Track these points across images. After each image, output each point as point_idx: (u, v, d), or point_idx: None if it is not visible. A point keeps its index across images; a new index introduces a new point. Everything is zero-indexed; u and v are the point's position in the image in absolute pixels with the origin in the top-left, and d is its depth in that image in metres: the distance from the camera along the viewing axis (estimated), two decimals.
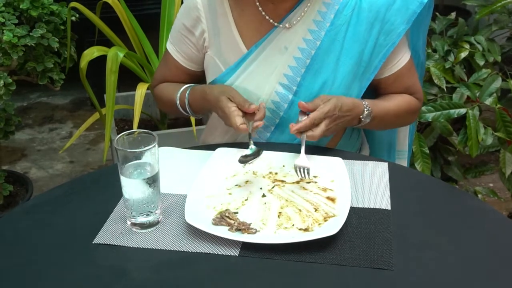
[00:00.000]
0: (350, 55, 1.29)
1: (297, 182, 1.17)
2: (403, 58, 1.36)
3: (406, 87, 1.40)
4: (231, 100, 1.24)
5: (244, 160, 1.18)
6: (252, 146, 1.21)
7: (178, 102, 1.39)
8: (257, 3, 1.31)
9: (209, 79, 1.40)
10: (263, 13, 1.31)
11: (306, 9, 1.29)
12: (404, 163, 1.62)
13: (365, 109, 1.29)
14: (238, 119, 1.20)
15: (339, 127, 1.28)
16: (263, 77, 1.32)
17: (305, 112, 1.24)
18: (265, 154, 1.22)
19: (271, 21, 1.31)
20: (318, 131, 1.20)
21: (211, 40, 1.36)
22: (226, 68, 1.34)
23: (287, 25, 1.30)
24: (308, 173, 1.16)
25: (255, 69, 1.32)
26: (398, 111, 1.38)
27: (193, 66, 1.44)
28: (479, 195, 2.27)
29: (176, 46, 1.42)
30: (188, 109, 1.38)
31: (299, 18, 1.30)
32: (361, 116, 1.29)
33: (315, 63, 1.30)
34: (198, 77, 1.48)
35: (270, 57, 1.31)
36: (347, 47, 1.29)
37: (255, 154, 1.19)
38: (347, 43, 1.29)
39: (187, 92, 1.37)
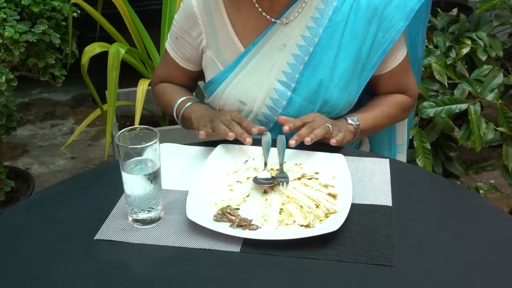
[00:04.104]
0: (348, 52, 1.29)
1: (298, 179, 1.17)
2: (400, 55, 1.36)
3: (400, 84, 1.41)
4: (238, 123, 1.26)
5: (261, 181, 1.14)
6: (267, 172, 1.18)
7: (175, 108, 1.41)
8: (253, 0, 1.31)
9: (207, 78, 1.40)
10: (260, 9, 1.30)
11: (303, 5, 1.29)
12: (404, 157, 1.63)
13: (355, 127, 1.32)
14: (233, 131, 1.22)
15: (344, 131, 1.28)
16: (262, 74, 1.32)
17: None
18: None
19: (268, 17, 1.30)
20: (318, 130, 1.22)
21: (208, 40, 1.36)
22: (225, 67, 1.34)
23: (284, 20, 1.30)
24: (288, 183, 1.15)
25: (253, 67, 1.32)
26: (389, 113, 1.40)
27: (191, 66, 1.45)
28: (481, 191, 2.27)
29: (174, 47, 1.43)
30: (180, 120, 1.40)
31: (296, 14, 1.29)
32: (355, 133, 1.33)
33: (313, 60, 1.30)
34: (197, 77, 1.50)
35: (268, 55, 1.31)
36: (345, 44, 1.29)
37: (272, 180, 1.15)
38: (345, 40, 1.29)
39: (186, 105, 1.39)
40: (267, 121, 1.35)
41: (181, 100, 1.41)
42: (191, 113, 1.35)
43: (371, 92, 1.44)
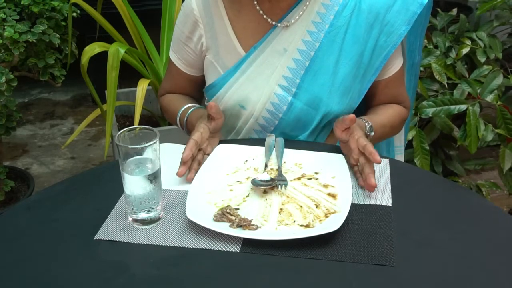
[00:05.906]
0: (349, 57, 1.29)
1: (298, 179, 1.17)
2: (396, 64, 1.37)
3: (395, 95, 1.41)
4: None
5: (259, 183, 1.13)
6: (267, 174, 1.17)
7: (178, 116, 1.40)
8: (255, 2, 1.30)
9: (208, 81, 1.40)
10: (261, 11, 1.30)
11: (304, 8, 1.28)
12: (402, 158, 1.63)
13: (366, 124, 1.29)
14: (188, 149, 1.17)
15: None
16: (262, 79, 1.31)
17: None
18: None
19: (269, 20, 1.30)
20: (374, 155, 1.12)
21: (209, 44, 1.35)
22: (225, 71, 1.34)
23: (285, 23, 1.29)
24: (286, 186, 1.14)
25: (254, 71, 1.31)
26: (393, 123, 1.39)
27: (193, 72, 1.44)
28: (483, 189, 2.27)
29: (177, 54, 1.42)
30: (184, 128, 1.40)
31: (297, 17, 1.28)
32: (366, 131, 1.28)
33: (314, 65, 1.29)
34: (201, 83, 1.48)
35: (269, 59, 1.31)
36: (346, 48, 1.28)
37: (271, 182, 1.14)
38: (346, 45, 1.28)
39: (189, 111, 1.38)
40: (267, 124, 1.34)
41: (184, 108, 1.40)
42: (195, 118, 1.35)
43: (365, 103, 1.43)
